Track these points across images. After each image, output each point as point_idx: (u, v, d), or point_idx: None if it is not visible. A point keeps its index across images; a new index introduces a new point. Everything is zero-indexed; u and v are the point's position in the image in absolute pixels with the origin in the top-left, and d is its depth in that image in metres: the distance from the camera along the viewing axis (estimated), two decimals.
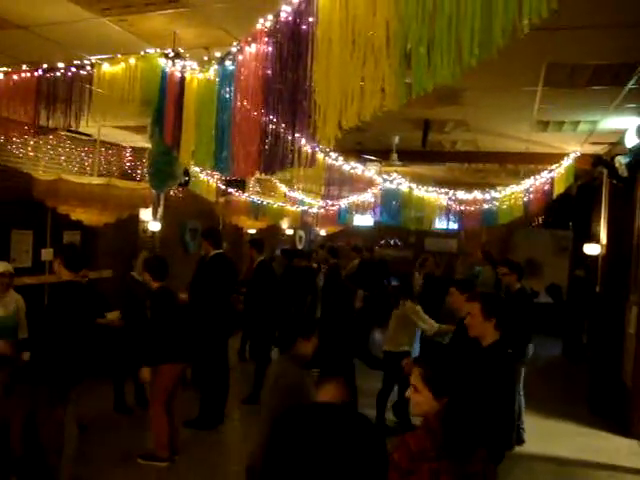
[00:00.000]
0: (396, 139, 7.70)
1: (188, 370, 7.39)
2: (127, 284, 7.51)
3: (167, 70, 3.53)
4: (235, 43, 2.62)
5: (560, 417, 7.61)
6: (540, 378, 8.95)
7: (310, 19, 2.04)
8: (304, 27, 2.06)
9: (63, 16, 4.29)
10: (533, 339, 6.69)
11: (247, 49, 2.46)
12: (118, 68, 3.87)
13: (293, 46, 2.15)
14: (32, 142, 8.18)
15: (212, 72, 2.88)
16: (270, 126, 2.39)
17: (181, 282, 7.73)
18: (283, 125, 2.34)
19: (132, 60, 3.84)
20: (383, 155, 8.10)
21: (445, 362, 2.69)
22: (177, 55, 3.75)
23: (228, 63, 2.68)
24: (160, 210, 10.10)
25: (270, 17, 2.25)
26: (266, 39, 2.29)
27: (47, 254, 8.34)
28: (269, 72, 2.31)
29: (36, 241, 8.66)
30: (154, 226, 10.02)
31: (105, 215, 7.56)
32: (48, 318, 4.92)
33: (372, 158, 7.79)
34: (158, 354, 5.80)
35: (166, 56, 3.74)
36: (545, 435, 6.87)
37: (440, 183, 10.50)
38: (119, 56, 3.89)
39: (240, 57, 2.54)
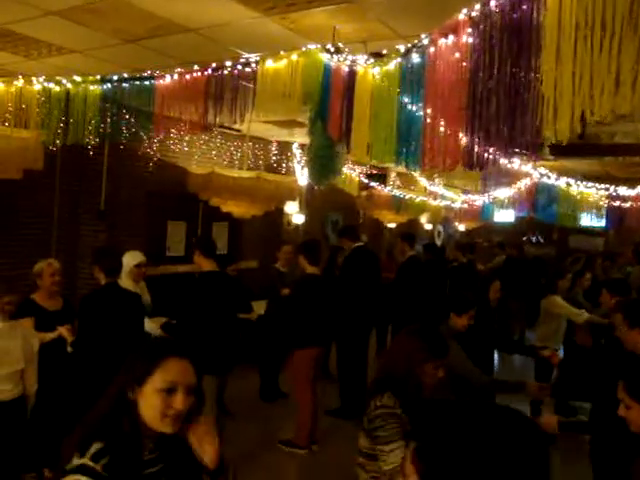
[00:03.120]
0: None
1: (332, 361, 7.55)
2: (271, 276, 7.73)
3: (331, 64, 3.55)
4: (424, 35, 2.55)
5: None
6: None
7: (533, 6, 1.92)
8: (525, 15, 1.96)
9: (228, 17, 4.45)
10: None
11: (442, 41, 2.40)
12: (281, 64, 3.95)
13: (509, 36, 2.05)
14: (187, 138, 8.64)
15: (392, 66, 2.84)
16: (477, 120, 2.30)
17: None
18: (495, 120, 2.24)
19: (294, 56, 3.91)
20: (533, 149, 7.70)
21: None
22: (337, 50, 3.78)
23: (414, 56, 2.62)
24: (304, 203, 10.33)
25: (477, 6, 2.16)
26: (469, 30, 2.22)
27: None
28: (475, 64, 2.23)
29: (189, 231, 9.18)
30: (298, 219, 10.25)
31: (254, 208, 7.81)
32: (192, 306, 5.15)
33: (522, 152, 7.41)
34: (292, 339, 5.95)
35: (327, 51, 3.78)
36: None
37: (588, 177, 9.85)
38: (282, 53, 3.97)
39: (432, 49, 2.48)
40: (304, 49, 3.92)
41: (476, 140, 2.39)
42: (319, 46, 3.87)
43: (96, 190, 7.68)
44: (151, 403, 1.81)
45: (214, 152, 9.29)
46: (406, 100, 2.71)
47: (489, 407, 1.20)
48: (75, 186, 7.74)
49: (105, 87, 4.47)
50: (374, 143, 2.95)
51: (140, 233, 8.07)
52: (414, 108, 2.66)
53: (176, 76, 4.13)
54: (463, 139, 2.44)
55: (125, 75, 4.42)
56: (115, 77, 4.42)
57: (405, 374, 2.78)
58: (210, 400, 5.04)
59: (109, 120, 4.85)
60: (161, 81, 4.18)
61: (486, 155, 2.48)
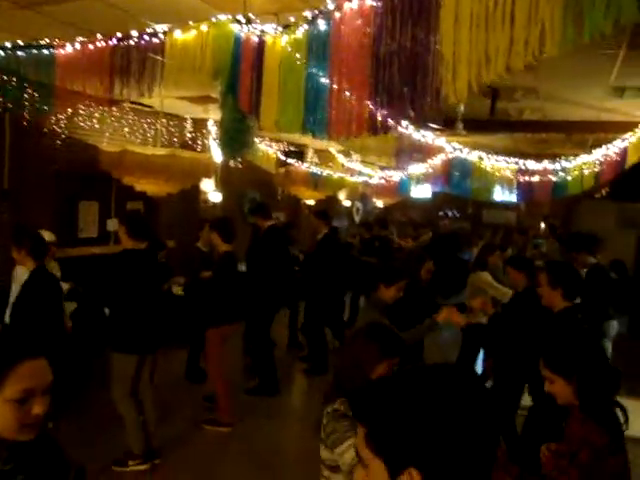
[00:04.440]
0: (461, 107, 7.45)
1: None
2: (192, 255, 7.59)
3: (241, 35, 3.46)
4: (330, 0, 2.50)
5: (627, 395, 7.35)
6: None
7: None
8: None
9: None
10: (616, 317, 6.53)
11: (347, 5, 2.34)
12: (190, 36, 3.81)
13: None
14: (97, 114, 8.29)
15: (300, 33, 2.78)
16: (380, 86, 2.27)
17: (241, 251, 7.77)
18: (398, 84, 2.21)
19: (204, 27, 3.78)
20: (447, 124, 7.87)
21: (561, 343, 2.67)
22: (248, 20, 3.68)
23: (321, 22, 2.57)
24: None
25: None
26: None
27: (112, 224, 8.52)
28: (378, 28, 2.19)
29: (102, 212, 8.86)
30: (215, 196, 10.09)
31: (169, 186, 7.63)
32: (112, 286, 5.06)
33: (436, 127, 7.58)
34: (207, 318, 5.97)
35: (238, 21, 3.67)
36: None
37: (500, 153, 10.21)
38: (191, 23, 3.83)
39: (337, 15, 2.44)
40: (214, 20, 3.80)
41: (380, 105, 2.38)
42: (230, 17, 3.76)
43: None
44: (4, 415, 1.59)
45: (126, 129, 8.97)
46: (313, 68, 2.66)
47: (425, 371, 1.18)
48: None
49: None
50: (282, 114, 2.90)
51: (48, 214, 7.70)
52: (321, 76, 2.62)
53: (78, 46, 3.91)
54: (368, 105, 2.42)
55: (20, 43, 4.12)
56: (8, 44, 4.11)
57: (354, 380, 2.55)
58: (126, 379, 4.98)
59: (6, 92, 4.56)
60: (61, 51, 3.94)
61: (390, 120, 2.47)
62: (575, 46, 1.81)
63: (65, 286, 5.78)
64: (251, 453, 5.55)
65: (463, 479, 1.07)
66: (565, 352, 2.57)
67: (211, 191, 10.09)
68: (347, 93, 2.46)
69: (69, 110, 7.42)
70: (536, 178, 8.22)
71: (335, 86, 2.51)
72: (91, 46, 3.88)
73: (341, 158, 11.64)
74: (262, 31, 3.24)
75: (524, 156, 9.50)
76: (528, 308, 4.81)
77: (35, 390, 1.61)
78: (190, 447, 5.60)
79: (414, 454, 1.06)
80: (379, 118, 2.40)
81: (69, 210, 8.37)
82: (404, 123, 5.26)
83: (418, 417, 1.06)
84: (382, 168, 12.36)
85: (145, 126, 9.22)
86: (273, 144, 10.36)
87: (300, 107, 2.73)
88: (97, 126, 8.40)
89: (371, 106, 2.38)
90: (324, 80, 2.61)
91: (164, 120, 9.20)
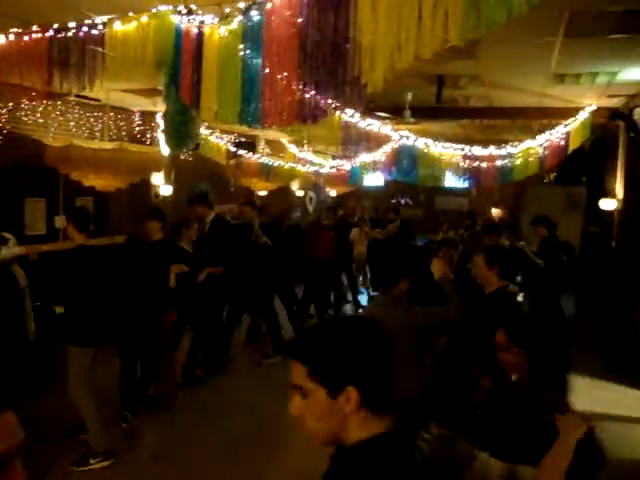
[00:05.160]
0: (409, 96, 7.55)
1: None
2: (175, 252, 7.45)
3: (182, 27, 3.44)
4: None
5: (575, 372, 7.60)
6: None
7: None
8: None
9: None
10: None
11: None
12: (130, 27, 3.77)
13: None
14: (41, 108, 8.09)
15: (235, 24, 2.79)
16: (307, 75, 2.31)
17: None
18: (323, 73, 2.25)
19: (144, 18, 3.74)
20: (396, 113, 7.96)
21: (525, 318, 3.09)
22: (190, 11, 3.65)
23: (254, 13, 2.59)
24: (172, 174, 10.06)
25: None
26: None
27: (60, 221, 8.35)
28: (304, 18, 2.22)
29: (49, 209, 8.66)
30: (165, 190, 9.98)
31: (117, 180, 7.52)
32: (68, 282, 5.02)
33: (384, 116, 7.66)
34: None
35: (179, 13, 3.64)
36: None
37: (451, 140, 10.37)
38: (131, 14, 3.78)
39: (269, 5, 2.45)
40: (155, 11, 3.76)
41: (308, 93, 2.43)
42: (170, 8, 3.73)
43: None
44: None
45: (72, 123, 8.77)
46: (249, 59, 2.68)
47: (348, 317, 1.45)
48: None
49: None
50: (221, 104, 2.91)
51: None
52: (255, 66, 2.65)
53: (12, 37, 3.81)
54: (296, 94, 2.47)
55: None
56: None
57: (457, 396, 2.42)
58: (84, 373, 4.94)
59: None
60: None
61: (317, 109, 2.53)
62: (476, 35, 1.88)
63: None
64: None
65: (385, 389, 1.41)
66: (528, 327, 2.77)
67: (162, 185, 9.98)
68: (279, 83, 2.50)
69: (10, 104, 7.25)
70: (483, 164, 8.37)
71: (267, 76, 2.54)
72: (26, 37, 3.79)
73: (292, 148, 11.63)
74: (201, 22, 3.23)
75: (473, 143, 9.68)
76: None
77: (9, 453, 1.28)
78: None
79: (350, 375, 1.37)
80: (307, 107, 2.46)
81: (14, 208, 8.15)
82: (349, 112, 5.31)
83: (351, 347, 1.38)
84: (334, 157, 12.40)
85: (92, 120, 9.04)
86: (224, 136, 10.29)
87: (237, 98, 2.76)
88: (41, 120, 8.20)
89: (300, 95, 2.43)
90: (259, 70, 2.64)
91: (111, 113, 9.04)
